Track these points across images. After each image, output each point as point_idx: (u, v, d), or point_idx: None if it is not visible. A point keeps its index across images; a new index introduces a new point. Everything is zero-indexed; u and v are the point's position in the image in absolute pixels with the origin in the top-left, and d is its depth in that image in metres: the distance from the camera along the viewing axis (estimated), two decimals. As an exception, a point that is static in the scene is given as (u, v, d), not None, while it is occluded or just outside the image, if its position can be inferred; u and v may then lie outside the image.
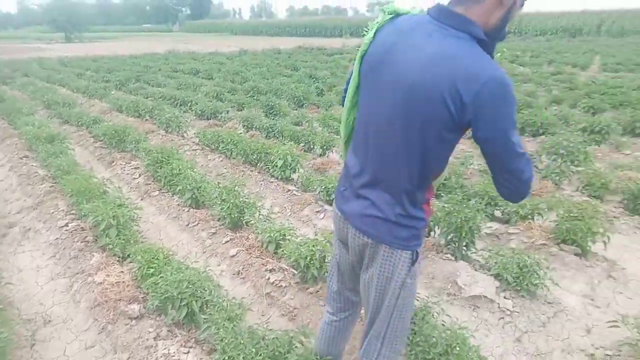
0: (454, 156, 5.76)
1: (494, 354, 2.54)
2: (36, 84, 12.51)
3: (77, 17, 48.16)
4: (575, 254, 3.37)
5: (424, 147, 1.30)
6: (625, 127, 6.98)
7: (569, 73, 13.26)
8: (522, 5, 1.29)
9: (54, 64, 18.28)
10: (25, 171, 5.39)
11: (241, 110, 8.79)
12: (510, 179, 1.31)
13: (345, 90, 1.54)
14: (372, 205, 1.44)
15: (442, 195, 4.24)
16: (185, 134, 7.25)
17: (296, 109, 9.22)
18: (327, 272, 1.87)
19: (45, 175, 5.12)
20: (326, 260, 2.98)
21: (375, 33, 1.38)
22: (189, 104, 8.97)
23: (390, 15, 1.38)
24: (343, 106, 1.56)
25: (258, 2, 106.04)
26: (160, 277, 2.71)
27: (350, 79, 1.50)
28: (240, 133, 6.90)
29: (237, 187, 4.02)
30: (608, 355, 2.48)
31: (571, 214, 3.48)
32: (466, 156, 5.52)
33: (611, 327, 2.30)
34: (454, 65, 1.20)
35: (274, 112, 8.24)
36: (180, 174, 4.59)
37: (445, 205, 3.37)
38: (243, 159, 5.61)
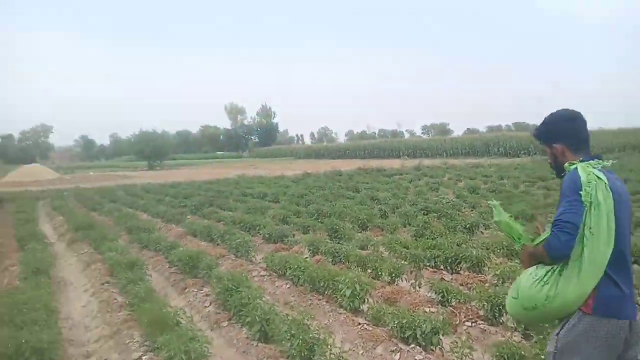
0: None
1: None
2: (121, 209, 13.72)
3: (160, 147, 54.09)
4: None
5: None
6: None
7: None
8: None
9: (137, 190, 20.19)
10: (106, 297, 5.67)
11: (306, 233, 8.98)
12: None
13: (573, 224, 1.96)
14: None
15: None
16: (253, 259, 7.43)
17: (360, 232, 9.26)
18: None
19: (123, 302, 5.35)
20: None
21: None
22: (257, 228, 9.33)
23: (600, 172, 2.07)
24: (568, 241, 1.96)
25: (319, 128, 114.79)
26: None
27: (583, 213, 1.97)
28: (307, 257, 6.96)
29: (306, 319, 3.94)
30: None
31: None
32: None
33: None
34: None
35: (339, 235, 8.32)
36: (250, 303, 4.60)
37: None
38: (310, 286, 5.58)
